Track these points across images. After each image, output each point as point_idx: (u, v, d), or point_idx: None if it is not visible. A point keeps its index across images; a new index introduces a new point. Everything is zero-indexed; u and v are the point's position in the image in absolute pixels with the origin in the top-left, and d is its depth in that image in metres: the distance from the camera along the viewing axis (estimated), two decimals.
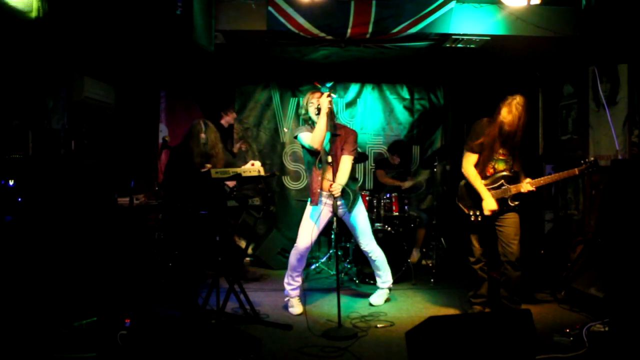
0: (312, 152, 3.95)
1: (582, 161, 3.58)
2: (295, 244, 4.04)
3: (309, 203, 4.06)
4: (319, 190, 3.94)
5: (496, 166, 3.73)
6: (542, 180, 3.64)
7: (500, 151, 3.70)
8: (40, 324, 3.17)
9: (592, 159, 3.56)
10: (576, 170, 3.55)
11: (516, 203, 3.69)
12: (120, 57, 4.89)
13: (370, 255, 4.20)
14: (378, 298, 4.30)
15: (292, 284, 4.08)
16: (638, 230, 3.24)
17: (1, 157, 3.45)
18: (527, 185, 3.63)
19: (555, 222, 5.34)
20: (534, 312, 2.79)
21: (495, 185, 3.72)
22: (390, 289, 4.34)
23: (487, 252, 3.86)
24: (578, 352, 3.14)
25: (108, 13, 4.04)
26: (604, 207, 4.39)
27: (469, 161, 3.77)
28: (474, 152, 3.75)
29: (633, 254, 3.19)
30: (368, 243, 4.16)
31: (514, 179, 3.70)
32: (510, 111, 3.51)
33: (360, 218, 4.12)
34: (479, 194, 3.70)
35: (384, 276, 4.28)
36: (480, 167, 3.76)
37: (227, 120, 5.59)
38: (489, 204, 3.65)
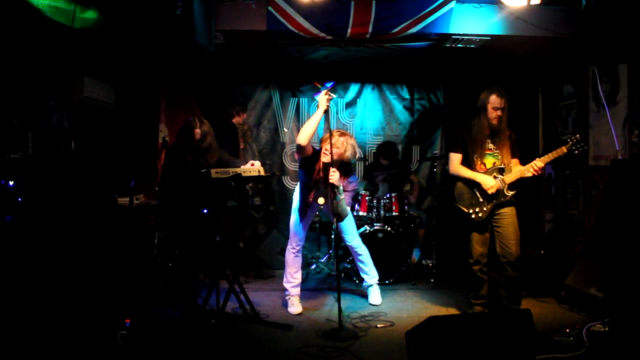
0: (305, 165, 3.88)
1: (568, 140, 3.70)
2: (289, 240, 4.06)
3: (295, 194, 4.09)
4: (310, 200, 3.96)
5: (485, 161, 3.78)
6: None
7: (489, 145, 3.77)
8: (40, 324, 3.17)
9: (577, 136, 3.67)
10: (564, 149, 3.65)
11: (512, 193, 3.72)
12: (120, 57, 4.88)
13: (356, 250, 4.27)
14: (376, 296, 4.32)
15: (291, 281, 4.09)
16: (638, 230, 3.24)
17: (1, 157, 3.45)
18: (537, 163, 3.62)
19: (555, 222, 5.34)
20: (534, 312, 2.79)
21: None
22: (377, 283, 4.38)
23: (486, 253, 3.86)
24: (578, 352, 3.14)
25: (108, 13, 4.04)
26: (604, 207, 4.39)
27: (455, 161, 3.85)
28: (457, 151, 3.85)
29: (633, 254, 3.19)
30: (354, 238, 4.24)
31: (506, 171, 3.75)
32: (498, 95, 3.68)
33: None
34: (475, 183, 3.73)
35: (371, 271, 4.34)
36: (470, 165, 3.79)
37: (237, 120, 5.56)
38: (488, 182, 3.69)
